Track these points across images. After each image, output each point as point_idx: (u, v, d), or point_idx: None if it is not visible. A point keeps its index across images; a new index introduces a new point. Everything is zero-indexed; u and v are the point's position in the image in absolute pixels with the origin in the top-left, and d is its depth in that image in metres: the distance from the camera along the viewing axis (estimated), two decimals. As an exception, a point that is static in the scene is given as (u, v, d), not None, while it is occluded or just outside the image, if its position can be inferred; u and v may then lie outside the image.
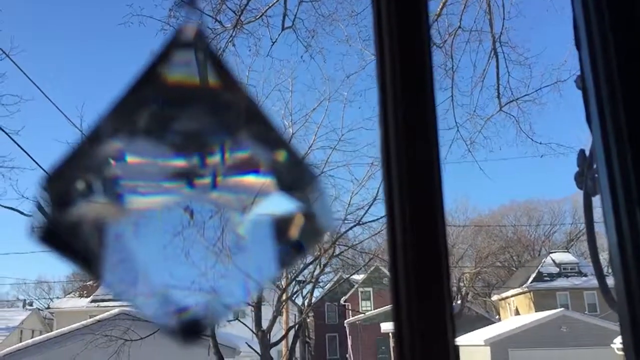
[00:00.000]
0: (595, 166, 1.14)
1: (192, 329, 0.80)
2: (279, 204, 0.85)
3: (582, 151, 1.39)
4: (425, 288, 0.74)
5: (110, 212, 0.81)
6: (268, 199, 0.84)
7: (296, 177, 0.87)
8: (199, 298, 0.81)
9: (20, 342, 26.81)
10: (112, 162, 0.81)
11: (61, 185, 0.80)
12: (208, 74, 0.86)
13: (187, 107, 0.84)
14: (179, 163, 0.83)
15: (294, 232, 0.85)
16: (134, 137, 0.83)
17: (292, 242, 0.86)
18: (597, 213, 1.19)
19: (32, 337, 27.73)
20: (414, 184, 0.77)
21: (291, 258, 0.89)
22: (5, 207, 12.79)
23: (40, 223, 0.78)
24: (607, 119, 0.96)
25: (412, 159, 0.78)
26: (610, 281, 1.15)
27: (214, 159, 0.84)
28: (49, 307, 41.98)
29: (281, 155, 0.87)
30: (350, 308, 40.89)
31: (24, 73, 11.03)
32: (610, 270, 1.05)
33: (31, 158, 11.15)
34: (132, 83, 0.82)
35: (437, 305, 0.73)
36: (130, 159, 0.83)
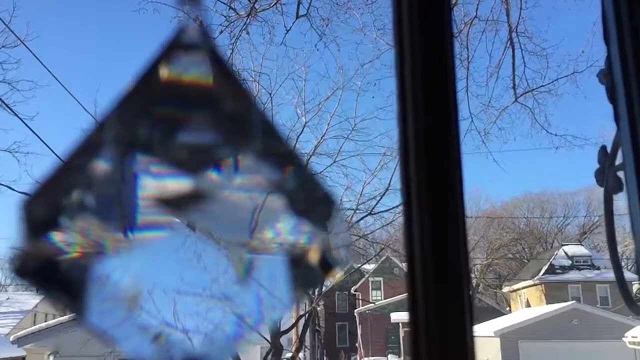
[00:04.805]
0: (617, 163, 1.11)
1: None
2: (288, 231, 0.74)
3: (603, 147, 1.35)
4: (443, 276, 0.72)
5: (97, 240, 0.71)
6: (276, 223, 0.74)
7: (309, 199, 0.76)
8: (197, 336, 0.72)
9: (34, 325, 27.14)
10: (101, 182, 0.71)
11: (41, 211, 0.70)
12: (213, 80, 0.75)
13: (188, 117, 0.73)
14: (177, 182, 0.72)
15: (305, 265, 0.74)
16: (128, 151, 0.72)
17: (301, 278, 0.74)
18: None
19: (45, 321, 28.07)
20: (433, 171, 0.75)
21: (299, 295, 0.77)
22: (20, 192, 12.92)
23: (18, 254, 0.69)
24: (636, 116, 0.93)
25: (431, 145, 0.76)
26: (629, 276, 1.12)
27: (217, 176, 0.73)
28: (62, 292, 42.32)
29: (292, 173, 0.75)
30: (360, 297, 40.96)
31: (38, 59, 11.04)
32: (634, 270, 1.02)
33: (45, 144, 11.21)
34: (129, 88, 0.72)
35: (454, 294, 0.71)
36: (123, 177, 0.72)
